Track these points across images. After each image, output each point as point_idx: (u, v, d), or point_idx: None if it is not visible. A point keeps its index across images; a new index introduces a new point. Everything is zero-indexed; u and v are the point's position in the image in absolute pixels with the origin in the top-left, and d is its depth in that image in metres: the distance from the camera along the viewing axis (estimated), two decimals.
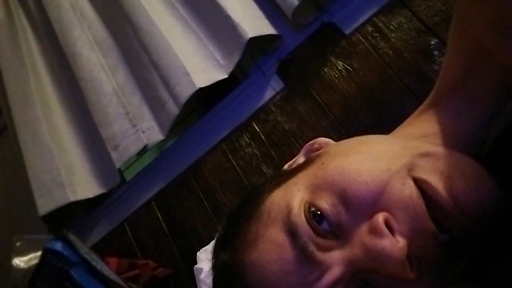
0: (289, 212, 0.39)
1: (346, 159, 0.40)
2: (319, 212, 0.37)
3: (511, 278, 0.36)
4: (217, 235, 0.48)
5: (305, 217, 0.37)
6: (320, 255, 0.36)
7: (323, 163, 0.42)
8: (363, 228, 0.36)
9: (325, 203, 0.37)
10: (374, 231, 0.35)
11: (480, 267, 0.38)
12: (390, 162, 0.38)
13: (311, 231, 0.37)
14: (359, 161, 0.39)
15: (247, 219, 0.43)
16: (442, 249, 0.34)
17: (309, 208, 0.38)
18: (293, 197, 0.40)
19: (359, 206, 0.36)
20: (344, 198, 0.37)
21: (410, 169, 0.37)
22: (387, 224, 0.35)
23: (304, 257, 0.37)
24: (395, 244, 0.34)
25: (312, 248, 0.36)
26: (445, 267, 0.36)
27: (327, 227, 0.37)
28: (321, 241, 0.37)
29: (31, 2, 1.35)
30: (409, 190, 0.36)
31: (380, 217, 0.35)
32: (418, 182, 0.36)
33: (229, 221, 0.47)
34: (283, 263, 0.37)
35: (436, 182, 0.35)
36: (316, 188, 0.39)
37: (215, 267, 0.46)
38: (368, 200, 0.36)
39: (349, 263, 0.36)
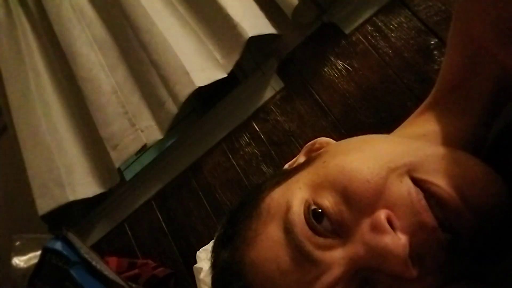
0: (287, 209, 0.38)
1: (347, 157, 0.40)
2: (320, 211, 0.37)
3: (511, 278, 0.36)
4: (217, 233, 0.48)
5: (304, 216, 0.37)
6: (318, 254, 0.36)
7: (324, 162, 0.41)
8: (365, 226, 0.36)
9: (326, 201, 0.37)
10: (376, 229, 0.35)
11: (480, 267, 0.38)
12: (391, 160, 0.38)
13: (308, 230, 0.37)
14: (360, 159, 0.39)
15: (247, 217, 0.43)
16: (444, 247, 0.34)
17: (309, 206, 0.38)
18: (293, 195, 0.40)
19: (360, 203, 0.36)
20: (345, 196, 0.37)
21: (411, 169, 0.37)
22: (388, 221, 0.35)
23: (300, 256, 0.36)
24: (397, 241, 0.33)
25: (308, 247, 0.36)
26: (447, 266, 0.35)
27: (328, 225, 0.37)
28: (320, 240, 0.36)
29: (30, 1, 1.35)
30: (407, 186, 0.36)
31: (382, 214, 0.35)
32: (421, 183, 0.36)
33: (229, 219, 0.47)
34: (280, 262, 0.37)
35: (440, 181, 0.35)
36: (317, 187, 0.39)
37: (214, 266, 0.45)
38: (369, 197, 0.36)
39: (350, 262, 0.36)
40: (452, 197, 0.34)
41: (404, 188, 0.36)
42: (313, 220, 0.37)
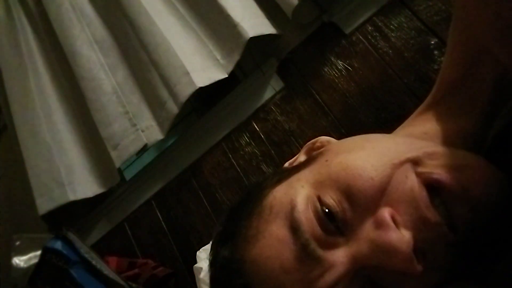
0: (292, 208, 0.38)
1: (350, 155, 0.40)
2: (327, 210, 0.37)
3: (511, 278, 0.36)
4: (215, 231, 0.48)
5: (316, 214, 0.37)
6: (322, 252, 0.36)
7: (326, 160, 0.41)
8: (368, 224, 0.36)
9: (331, 200, 0.37)
10: (380, 226, 0.35)
11: (480, 267, 0.38)
12: (395, 157, 0.38)
13: (314, 228, 0.37)
14: (363, 157, 0.39)
15: (248, 214, 0.42)
16: (447, 243, 0.34)
17: (321, 204, 0.37)
18: (296, 193, 0.40)
19: (364, 201, 0.36)
20: (349, 194, 0.37)
21: (415, 163, 0.37)
22: (392, 218, 0.35)
23: (305, 255, 0.36)
24: (401, 237, 0.34)
25: (313, 245, 0.36)
26: (450, 263, 0.36)
27: (334, 224, 0.37)
28: (325, 238, 0.37)
29: (31, 1, 1.35)
30: (412, 182, 0.36)
31: (386, 212, 0.35)
32: (424, 175, 0.36)
33: (229, 217, 0.46)
34: (283, 260, 0.37)
35: (443, 173, 0.36)
36: (320, 185, 0.39)
37: (213, 264, 0.45)
38: (373, 195, 0.36)
39: (354, 260, 0.36)
40: (452, 184, 0.34)
41: (408, 184, 0.36)
42: (325, 218, 0.37)
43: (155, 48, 1.09)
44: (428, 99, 0.48)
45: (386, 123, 0.93)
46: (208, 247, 0.93)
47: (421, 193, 0.35)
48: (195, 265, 0.88)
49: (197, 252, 0.92)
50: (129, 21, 1.16)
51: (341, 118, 0.99)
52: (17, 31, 1.34)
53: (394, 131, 0.50)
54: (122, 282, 1.00)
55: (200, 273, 0.84)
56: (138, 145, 1.15)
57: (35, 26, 1.35)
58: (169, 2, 1.17)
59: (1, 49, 1.35)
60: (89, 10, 1.28)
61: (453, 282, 0.37)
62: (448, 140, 0.42)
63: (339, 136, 0.96)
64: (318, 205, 0.37)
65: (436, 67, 0.90)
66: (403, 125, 0.50)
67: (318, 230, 0.37)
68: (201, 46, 1.11)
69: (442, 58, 0.83)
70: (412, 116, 0.50)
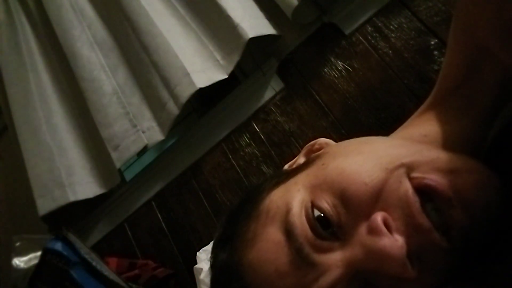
0: (287, 211, 0.38)
1: (346, 160, 0.40)
2: (322, 215, 0.37)
3: (511, 278, 0.36)
4: (216, 234, 0.48)
5: (307, 218, 0.37)
6: (316, 257, 0.36)
7: (323, 164, 0.42)
8: (362, 229, 0.36)
9: (326, 204, 0.37)
10: (373, 231, 0.35)
11: (480, 267, 0.38)
12: (390, 161, 0.38)
13: (308, 232, 0.37)
14: (359, 162, 0.39)
15: (246, 218, 0.43)
16: (442, 248, 0.34)
17: (313, 209, 0.38)
18: (292, 197, 0.40)
19: (357, 206, 0.36)
20: (343, 198, 0.37)
21: (410, 168, 0.37)
22: (385, 223, 0.35)
23: (299, 259, 0.36)
24: (394, 242, 0.34)
25: (307, 250, 0.36)
26: (447, 266, 0.35)
27: (329, 230, 0.37)
28: (319, 242, 0.37)
29: (31, 2, 1.36)
30: (405, 188, 0.36)
31: (379, 217, 0.35)
32: (418, 179, 0.36)
33: (228, 220, 0.47)
34: (279, 264, 0.37)
35: (436, 178, 0.35)
36: (316, 189, 0.39)
37: (213, 266, 0.45)
38: (366, 200, 0.36)
39: (349, 264, 0.36)
40: (444, 188, 0.34)
41: (402, 190, 0.36)
42: (317, 224, 0.37)
43: (155, 49, 1.10)
44: (429, 99, 0.48)
45: (386, 124, 0.93)
46: (208, 247, 0.93)
47: (413, 199, 0.35)
48: (195, 266, 0.88)
49: (197, 253, 0.92)
50: (129, 22, 1.16)
51: (341, 118, 0.99)
52: (17, 32, 1.34)
53: (394, 132, 0.50)
54: (122, 283, 1.00)
55: (200, 274, 0.84)
56: (139, 146, 1.15)
57: (35, 27, 1.36)
58: (169, 3, 1.17)
59: (1, 49, 1.35)
60: (89, 11, 1.28)
61: (453, 282, 0.37)
62: (447, 142, 0.42)
63: (339, 137, 0.97)
64: (310, 211, 0.37)
65: (436, 67, 0.90)
66: (403, 126, 0.50)
67: (311, 234, 0.37)
68: (201, 47, 1.12)
69: (442, 59, 0.83)
70: (412, 117, 0.50)
